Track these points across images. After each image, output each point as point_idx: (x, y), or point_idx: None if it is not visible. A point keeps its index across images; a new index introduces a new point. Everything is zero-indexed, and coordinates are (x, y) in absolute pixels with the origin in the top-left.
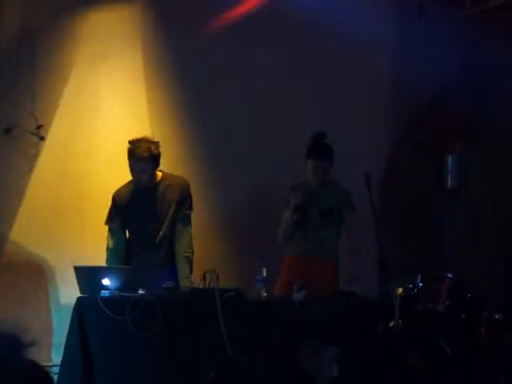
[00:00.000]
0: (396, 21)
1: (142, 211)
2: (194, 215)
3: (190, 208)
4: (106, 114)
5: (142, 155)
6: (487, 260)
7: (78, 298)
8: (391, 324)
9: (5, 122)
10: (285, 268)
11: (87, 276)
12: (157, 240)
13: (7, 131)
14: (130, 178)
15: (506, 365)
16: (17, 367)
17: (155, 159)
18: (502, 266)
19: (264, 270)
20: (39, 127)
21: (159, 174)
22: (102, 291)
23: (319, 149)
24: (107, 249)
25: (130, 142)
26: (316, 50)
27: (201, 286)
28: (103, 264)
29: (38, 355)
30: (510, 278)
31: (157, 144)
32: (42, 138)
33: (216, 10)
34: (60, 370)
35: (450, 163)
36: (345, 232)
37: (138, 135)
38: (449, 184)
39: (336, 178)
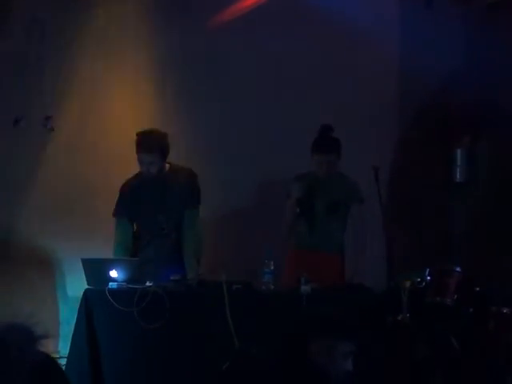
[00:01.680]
0: (402, 14)
1: (149, 203)
2: (202, 207)
3: (198, 200)
4: (114, 105)
5: (150, 148)
6: (496, 253)
7: (86, 290)
8: (399, 317)
9: (14, 113)
10: (291, 261)
11: (95, 268)
12: (164, 232)
13: (16, 122)
14: (138, 170)
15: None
16: (30, 359)
17: (164, 151)
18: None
19: (272, 262)
20: (48, 118)
21: (167, 165)
22: (110, 283)
23: (324, 143)
24: (115, 241)
25: (138, 134)
26: (320, 43)
27: (208, 278)
28: (111, 256)
29: (45, 347)
30: None
31: (165, 136)
32: (52, 130)
33: (226, 5)
34: (67, 361)
35: (458, 157)
36: (350, 225)
37: (145, 127)
38: (457, 177)
39: (343, 170)
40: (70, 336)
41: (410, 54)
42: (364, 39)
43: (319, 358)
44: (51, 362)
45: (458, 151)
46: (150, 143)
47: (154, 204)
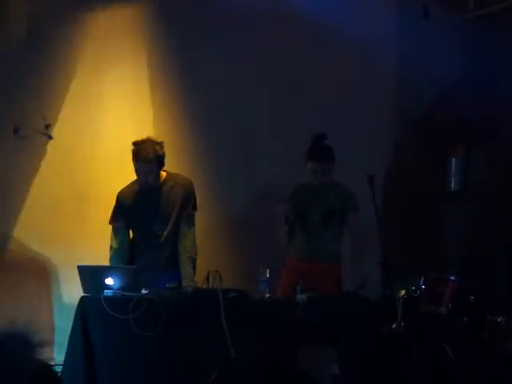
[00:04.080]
0: (399, 23)
1: (146, 211)
2: (197, 215)
3: (194, 208)
4: (110, 113)
5: (147, 157)
6: (490, 263)
7: (81, 298)
8: (394, 326)
9: (13, 121)
10: (287, 269)
11: (90, 275)
12: (161, 240)
13: (16, 131)
14: (133, 177)
15: (507, 370)
16: (28, 367)
17: (160, 160)
18: (505, 268)
19: (267, 270)
20: (48, 126)
21: (163, 174)
22: (105, 291)
23: (318, 151)
24: (111, 248)
25: (134, 143)
26: (319, 51)
27: (204, 287)
28: (106, 264)
29: (40, 354)
30: None
31: (161, 145)
32: (51, 138)
33: (219, 10)
34: (63, 369)
35: (453, 166)
36: (347, 233)
37: (142, 135)
38: (452, 186)
39: (339, 179)
40: (66, 343)
41: (407, 64)
42: (361, 49)
43: (306, 364)
44: (49, 369)
45: (453, 160)
46: (147, 153)
47: (150, 212)
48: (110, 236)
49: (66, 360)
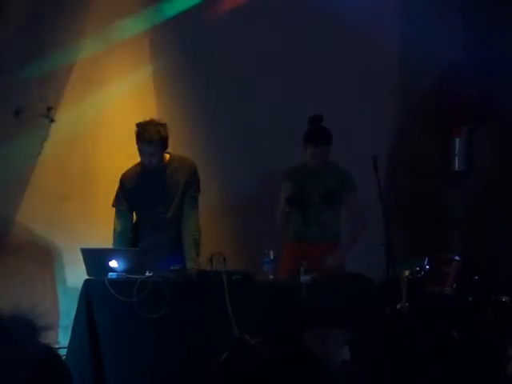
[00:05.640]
0: (402, 3)
1: (149, 193)
2: (201, 197)
3: (198, 190)
4: (113, 96)
5: (151, 138)
6: (494, 243)
7: (86, 281)
8: (398, 306)
9: (15, 104)
10: (287, 254)
11: (94, 258)
12: (164, 222)
13: (17, 113)
14: (136, 160)
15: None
16: (32, 351)
17: (164, 142)
18: (509, 249)
19: (271, 252)
20: (49, 109)
21: (167, 156)
22: (109, 273)
23: (319, 135)
24: (114, 231)
25: (138, 125)
26: (321, 32)
27: (208, 269)
28: (110, 246)
29: (45, 337)
30: None
31: (165, 126)
32: (53, 120)
33: None
34: (67, 352)
35: (457, 146)
36: (346, 213)
37: (145, 117)
38: (456, 167)
39: (342, 159)
40: (70, 326)
41: (410, 43)
42: (363, 30)
43: (314, 347)
44: (53, 353)
45: (457, 140)
46: (151, 134)
47: (153, 194)
48: (114, 218)
49: (70, 343)
